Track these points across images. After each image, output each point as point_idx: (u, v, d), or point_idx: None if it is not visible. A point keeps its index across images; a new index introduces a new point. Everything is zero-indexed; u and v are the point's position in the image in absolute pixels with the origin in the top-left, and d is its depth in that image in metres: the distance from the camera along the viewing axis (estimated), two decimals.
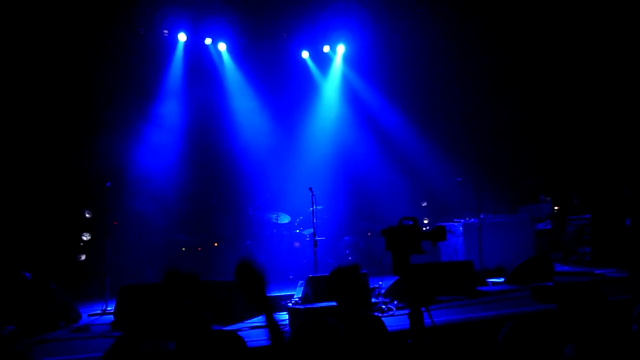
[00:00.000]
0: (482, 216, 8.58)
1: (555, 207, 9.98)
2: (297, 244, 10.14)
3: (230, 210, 10.95)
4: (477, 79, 11.29)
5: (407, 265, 3.18)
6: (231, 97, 11.32)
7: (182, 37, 10.75)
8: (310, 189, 8.99)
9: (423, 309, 3.18)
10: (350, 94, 12.11)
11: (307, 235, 10.09)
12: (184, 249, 9.88)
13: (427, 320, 3.18)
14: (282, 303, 6.20)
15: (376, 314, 5.58)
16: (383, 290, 6.44)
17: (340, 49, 11.98)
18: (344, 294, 3.17)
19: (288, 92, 11.77)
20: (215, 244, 10.14)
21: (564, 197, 9.92)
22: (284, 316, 5.87)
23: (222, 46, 11.26)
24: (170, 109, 10.59)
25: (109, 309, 6.64)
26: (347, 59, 12.09)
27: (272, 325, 1.81)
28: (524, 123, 11.24)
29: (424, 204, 11.22)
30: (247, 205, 10.94)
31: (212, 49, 11.22)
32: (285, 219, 10.45)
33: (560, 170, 10.81)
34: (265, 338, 1.99)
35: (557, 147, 11.01)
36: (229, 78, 11.34)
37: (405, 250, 3.22)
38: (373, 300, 6.05)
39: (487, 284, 7.62)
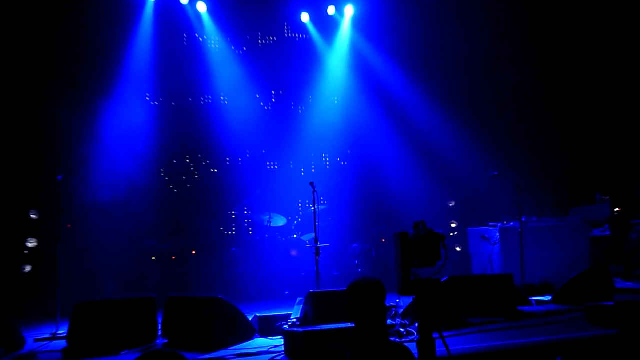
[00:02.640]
0: (524, 219, 8.52)
1: (616, 209, 9.93)
2: (294, 253, 10.13)
3: (213, 211, 10.94)
4: (519, 54, 11.24)
5: (408, 281, 3.20)
6: (213, 70, 11.28)
7: None
8: (312, 184, 8.95)
9: (436, 334, 3.19)
10: (361, 67, 12.07)
11: (307, 242, 10.08)
12: (154, 257, 9.87)
13: (441, 349, 3.18)
14: (277, 325, 6.18)
15: (393, 339, 5.55)
16: (401, 310, 6.41)
17: (349, 10, 11.91)
18: (365, 314, 3.17)
19: (284, 65, 11.75)
20: (194, 252, 10.13)
21: (627, 197, 9.87)
22: (278, 341, 5.84)
23: (201, 6, 11.20)
24: (138, 86, 10.57)
25: (60, 332, 6.61)
26: (357, 23, 12.04)
27: None
28: (577, 104, 11.18)
29: (452, 204, 11.19)
30: (233, 205, 10.93)
31: (189, 9, 11.17)
32: (280, 221, 10.45)
33: (622, 163, 10.76)
34: None
35: (618, 134, 10.95)
36: (210, 47, 11.29)
37: (403, 262, 3.26)
38: (389, 322, 6.03)
39: (530, 302, 7.59)
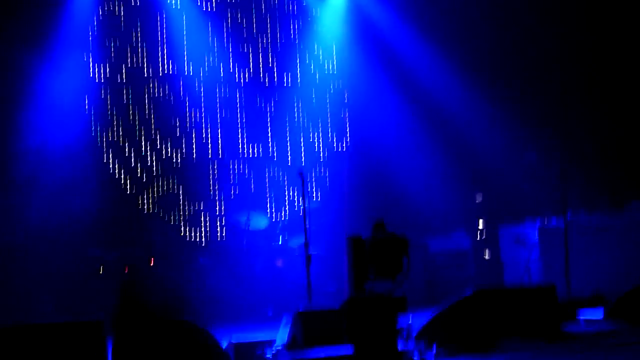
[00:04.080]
0: (569, 216, 8.52)
1: None
2: (279, 263, 10.11)
3: (174, 210, 10.89)
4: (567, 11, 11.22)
5: (356, 297, 3.11)
6: (174, 33, 11.24)
7: None
8: (301, 174, 8.91)
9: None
10: (361, 26, 12.04)
11: (296, 248, 10.04)
12: (101, 270, 9.84)
13: None
14: (258, 353, 6.15)
15: None
16: (415, 332, 6.40)
17: None
18: (368, 337, 3.13)
19: (264, 25, 11.68)
20: (152, 263, 10.10)
21: None
22: None
23: None
24: (77, 46, 10.53)
25: None
26: None
27: None
28: (632, 76, 11.20)
29: (479, 199, 11.18)
30: (199, 204, 10.88)
31: None
32: (261, 222, 10.44)
33: None
34: None
35: None
36: (172, 7, 11.25)
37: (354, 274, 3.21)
38: (400, 345, 6.03)
39: (577, 320, 7.59)
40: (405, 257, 3.47)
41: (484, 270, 10.56)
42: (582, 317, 7.71)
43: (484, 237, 10.94)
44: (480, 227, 11.02)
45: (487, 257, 10.76)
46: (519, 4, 11.47)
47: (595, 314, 7.84)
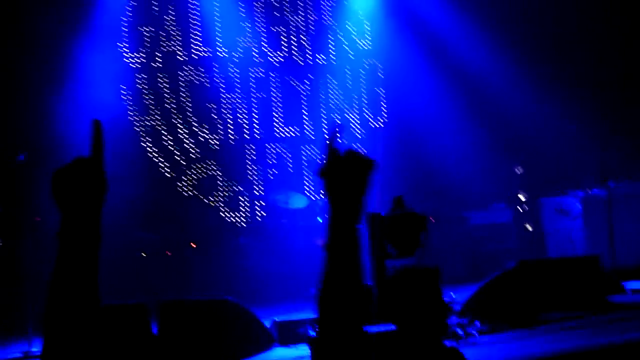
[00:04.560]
0: (612, 185, 8.40)
1: None
2: (320, 241, 10.13)
3: (215, 192, 11.01)
4: None
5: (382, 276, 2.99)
6: (208, 16, 11.26)
7: None
8: (338, 127, 8.92)
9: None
10: (396, 1, 11.91)
11: None
12: (144, 254, 9.99)
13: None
14: (300, 331, 6.22)
15: (450, 342, 5.55)
16: (458, 307, 6.41)
17: None
18: (411, 312, 3.09)
19: (297, 5, 11.68)
20: (194, 245, 10.22)
21: None
22: (303, 351, 5.87)
23: None
24: (113, 35, 10.67)
25: (34, 349, 6.74)
26: None
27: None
28: None
29: (520, 171, 11.05)
30: (238, 185, 10.96)
31: None
32: (299, 202, 10.46)
33: None
34: None
35: None
36: None
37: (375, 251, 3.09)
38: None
39: (624, 291, 7.51)
40: (423, 233, 3.43)
41: (527, 242, 10.46)
42: (628, 287, 7.64)
43: (525, 209, 10.84)
44: (522, 199, 10.91)
45: (529, 228, 10.66)
46: None
47: None
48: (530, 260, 7.36)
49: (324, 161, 1.65)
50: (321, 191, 1.72)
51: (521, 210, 10.74)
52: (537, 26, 11.49)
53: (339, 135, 1.71)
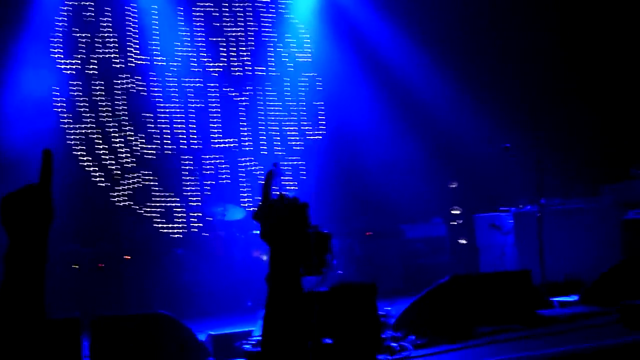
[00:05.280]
0: (544, 202, 8.63)
1: None
2: (258, 253, 10.11)
3: (149, 204, 10.87)
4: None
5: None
6: (144, 24, 11.14)
7: None
8: (275, 164, 8.91)
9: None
10: (335, 13, 12.04)
11: None
12: (76, 266, 9.78)
13: None
14: (236, 345, 6.20)
15: (384, 356, 5.61)
16: (393, 320, 6.48)
17: None
18: (347, 327, 3.15)
19: (237, 16, 11.66)
20: (127, 257, 10.05)
21: None
22: None
23: None
24: (45, 43, 10.45)
25: None
26: None
27: None
28: (610, 62, 11.32)
29: (454, 186, 11.28)
30: (174, 196, 10.86)
31: None
32: (237, 213, 10.43)
33: None
34: None
35: None
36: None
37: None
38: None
39: (553, 305, 7.73)
40: (329, 253, 3.44)
41: (460, 256, 10.68)
42: (557, 301, 7.86)
43: (460, 222, 11.06)
44: (456, 213, 11.14)
45: (463, 241, 10.88)
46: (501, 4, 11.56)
47: (570, 298, 7.99)
48: (462, 275, 7.48)
49: (259, 205, 1.74)
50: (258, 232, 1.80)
51: (455, 224, 10.97)
52: (477, 42, 11.77)
53: (273, 178, 1.78)
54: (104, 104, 10.87)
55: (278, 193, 1.82)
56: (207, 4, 11.52)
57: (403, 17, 11.80)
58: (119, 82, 10.99)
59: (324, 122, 12.10)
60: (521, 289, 7.13)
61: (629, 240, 9.49)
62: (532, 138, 8.55)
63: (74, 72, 10.73)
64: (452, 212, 11.24)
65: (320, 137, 12.06)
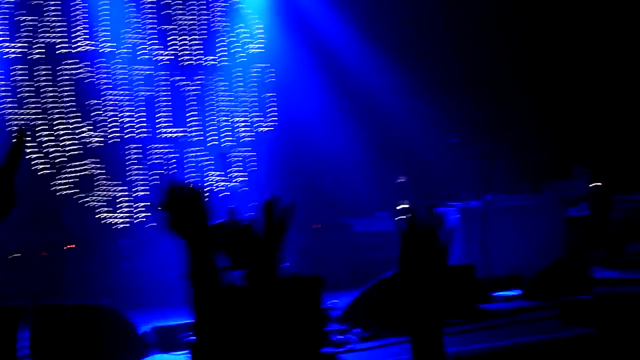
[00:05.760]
0: (488, 197, 8.78)
1: (596, 184, 10.37)
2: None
3: (93, 194, 10.70)
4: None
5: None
6: (91, 10, 10.94)
7: None
8: (223, 155, 8.89)
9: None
10: (288, 7, 12.01)
11: None
12: (18, 254, 9.60)
13: None
14: (179, 337, 6.16)
15: (329, 349, 5.64)
16: (339, 313, 6.51)
17: None
18: (291, 320, 3.15)
19: (187, 4, 11.53)
20: (70, 246, 9.90)
21: (609, 168, 10.32)
22: (182, 358, 5.82)
23: None
24: None
25: None
26: None
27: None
28: (552, 61, 11.55)
29: (402, 180, 11.37)
30: (119, 186, 10.73)
31: None
32: None
33: (603, 130, 11.22)
34: None
35: (598, 96, 11.41)
36: None
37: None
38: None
39: (495, 299, 7.86)
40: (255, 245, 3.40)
41: None
42: (499, 295, 8.00)
43: (408, 217, 11.16)
44: (404, 207, 11.22)
45: None
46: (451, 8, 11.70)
47: (512, 293, 8.15)
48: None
49: (163, 195, 1.70)
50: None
51: (403, 219, 11.06)
52: (426, 38, 11.89)
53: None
54: (48, 90, 10.64)
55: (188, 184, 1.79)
56: None
57: (355, 11, 11.84)
58: (65, 68, 10.77)
59: (275, 114, 12.07)
60: (464, 284, 7.23)
61: (571, 237, 9.76)
62: (479, 134, 8.70)
63: (18, 56, 10.48)
64: (400, 206, 11.33)
65: (271, 129, 12.03)
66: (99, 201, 10.69)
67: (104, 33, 10.99)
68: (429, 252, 1.77)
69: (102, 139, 10.90)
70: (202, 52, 11.66)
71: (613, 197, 9.88)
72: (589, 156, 10.80)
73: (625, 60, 11.22)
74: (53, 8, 10.69)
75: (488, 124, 10.63)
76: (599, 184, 10.38)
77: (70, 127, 10.76)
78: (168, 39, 11.45)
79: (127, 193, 10.86)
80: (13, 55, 10.45)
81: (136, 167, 11.02)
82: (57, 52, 10.72)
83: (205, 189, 1.73)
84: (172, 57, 11.46)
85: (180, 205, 1.76)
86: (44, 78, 10.62)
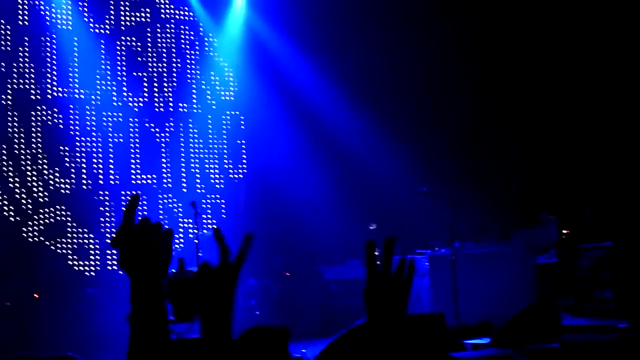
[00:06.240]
0: (457, 245, 8.85)
1: (564, 231, 10.51)
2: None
3: (63, 241, 10.58)
4: (460, 41, 11.73)
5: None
6: (64, 57, 10.97)
7: None
8: (193, 203, 8.90)
9: None
10: (258, 55, 12.17)
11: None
12: None
13: None
14: None
15: None
16: None
17: None
18: None
19: (159, 52, 11.62)
20: (36, 295, 9.75)
21: (577, 216, 10.47)
22: None
23: None
24: None
25: None
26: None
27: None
28: (521, 108, 11.79)
29: (373, 227, 11.42)
30: (89, 233, 10.63)
31: None
32: None
33: (571, 178, 11.40)
34: None
35: (566, 144, 11.62)
36: (62, 29, 10.97)
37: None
38: None
39: (465, 347, 7.86)
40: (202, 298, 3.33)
41: None
42: (469, 343, 8.00)
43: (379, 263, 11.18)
44: (375, 254, 11.23)
45: None
46: (415, 39, 11.92)
47: (482, 341, 8.15)
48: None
49: (118, 230, 1.65)
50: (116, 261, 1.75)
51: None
52: (396, 86, 12.08)
53: (137, 203, 1.73)
54: (18, 135, 10.59)
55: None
56: (130, 39, 11.44)
57: (325, 58, 12.01)
58: (36, 114, 10.74)
59: (245, 161, 12.12)
60: (434, 332, 7.23)
61: (540, 284, 9.85)
62: (447, 183, 8.80)
63: None
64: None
65: (242, 176, 12.06)
66: (68, 249, 10.58)
67: (75, 79, 11.02)
68: (396, 298, 1.72)
69: (72, 186, 10.83)
70: (173, 98, 11.72)
71: (579, 245, 10.00)
72: (556, 203, 10.97)
73: (589, 109, 11.47)
74: (24, 54, 10.70)
75: (457, 171, 10.76)
76: (567, 231, 10.53)
77: (40, 173, 10.68)
78: (141, 85, 11.51)
79: (96, 241, 10.77)
80: None
81: (106, 214, 10.95)
82: (27, 97, 10.69)
83: (174, 234, 1.69)
84: (144, 103, 11.50)
85: (147, 242, 1.71)
86: (14, 123, 10.57)
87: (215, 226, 1.81)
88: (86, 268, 10.65)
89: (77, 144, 10.97)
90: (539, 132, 11.73)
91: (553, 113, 11.71)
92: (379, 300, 1.84)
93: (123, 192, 11.12)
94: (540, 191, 11.36)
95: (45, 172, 10.72)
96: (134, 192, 1.74)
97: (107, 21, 11.26)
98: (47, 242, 10.49)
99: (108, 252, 10.80)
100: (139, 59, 11.54)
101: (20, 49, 10.69)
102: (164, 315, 1.70)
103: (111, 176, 11.14)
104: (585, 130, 11.44)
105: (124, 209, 1.73)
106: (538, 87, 11.83)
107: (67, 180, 10.82)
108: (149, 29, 11.60)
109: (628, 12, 10.82)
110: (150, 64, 11.62)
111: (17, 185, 10.48)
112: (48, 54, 10.91)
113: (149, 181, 11.41)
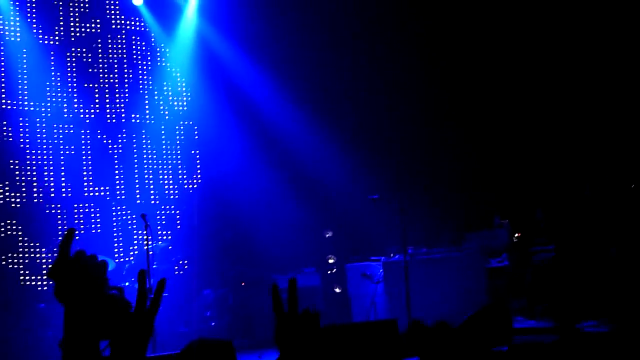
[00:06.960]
0: (410, 251, 8.95)
1: (516, 234, 10.70)
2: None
3: (10, 253, 10.41)
4: (406, 49, 11.88)
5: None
6: (12, 68, 10.82)
7: None
8: (143, 216, 8.83)
9: None
10: (210, 65, 12.17)
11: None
12: None
13: None
14: None
15: None
16: None
17: None
18: None
19: (110, 62, 11.54)
20: None
21: (528, 220, 10.66)
22: None
23: None
24: None
25: None
26: (205, 9, 12.13)
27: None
28: (470, 113, 11.98)
29: (329, 235, 11.51)
30: (40, 247, 10.48)
31: None
32: (108, 265, 10.15)
33: (523, 181, 11.60)
34: None
35: (517, 146, 11.83)
36: (10, 39, 10.83)
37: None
38: None
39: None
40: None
41: (335, 306, 10.85)
42: None
43: (334, 271, 11.25)
44: (331, 262, 11.33)
45: (338, 290, 11.07)
46: (364, 47, 12.06)
47: None
48: (335, 324, 7.58)
49: (54, 261, 1.68)
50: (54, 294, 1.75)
51: (329, 274, 11.15)
52: (346, 94, 12.19)
53: (73, 236, 1.76)
54: None
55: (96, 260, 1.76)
56: (81, 50, 11.33)
57: (276, 67, 12.07)
58: None
59: (199, 171, 12.09)
60: (388, 338, 7.28)
61: (493, 287, 10.01)
62: (399, 189, 8.90)
63: None
64: (328, 261, 11.44)
65: (196, 186, 12.03)
66: (19, 264, 10.41)
67: (24, 90, 10.87)
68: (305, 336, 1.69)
69: (23, 199, 10.67)
70: (125, 109, 11.64)
71: (530, 248, 10.19)
72: (508, 207, 11.15)
73: (537, 111, 11.69)
74: None
75: (408, 177, 10.88)
76: (518, 234, 10.72)
77: None
78: (92, 96, 11.40)
79: (48, 255, 10.62)
80: None
81: (58, 227, 10.81)
82: None
83: (108, 266, 1.69)
84: (96, 115, 11.40)
85: (81, 274, 1.74)
86: None
87: (140, 269, 1.85)
88: (37, 283, 10.49)
89: (28, 156, 10.81)
90: (489, 136, 11.93)
91: (502, 117, 11.92)
92: (289, 340, 1.89)
93: (75, 205, 11.00)
94: (492, 195, 11.54)
95: None
96: (69, 228, 1.77)
97: (56, 32, 11.14)
98: None
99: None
100: (90, 70, 11.43)
101: None
102: (96, 345, 1.74)
103: (63, 189, 11.00)
104: (536, 132, 11.66)
105: (60, 241, 1.77)
106: (486, 90, 12.03)
107: (17, 193, 10.65)
108: (99, 40, 11.51)
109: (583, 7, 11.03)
110: (101, 75, 11.52)
111: None
112: None
113: (101, 193, 11.29)
